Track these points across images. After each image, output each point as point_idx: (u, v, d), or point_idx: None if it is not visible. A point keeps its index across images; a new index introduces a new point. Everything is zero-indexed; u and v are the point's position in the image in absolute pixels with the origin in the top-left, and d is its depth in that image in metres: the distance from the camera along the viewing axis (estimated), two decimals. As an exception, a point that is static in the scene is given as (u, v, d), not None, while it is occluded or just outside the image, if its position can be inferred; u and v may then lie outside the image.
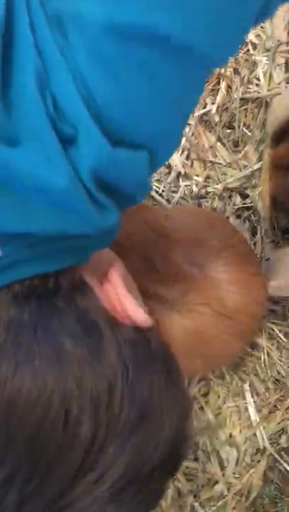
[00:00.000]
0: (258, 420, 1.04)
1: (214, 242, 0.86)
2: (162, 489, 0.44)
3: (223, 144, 1.08)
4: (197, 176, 1.07)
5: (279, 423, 1.05)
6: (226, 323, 0.83)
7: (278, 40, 1.04)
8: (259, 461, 1.04)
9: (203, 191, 1.08)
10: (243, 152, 1.09)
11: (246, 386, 1.06)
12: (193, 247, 0.85)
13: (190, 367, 0.88)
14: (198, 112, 1.05)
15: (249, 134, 1.08)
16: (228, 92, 1.07)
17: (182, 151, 1.07)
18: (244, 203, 1.08)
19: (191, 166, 1.07)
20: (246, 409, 1.05)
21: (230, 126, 1.08)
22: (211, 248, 0.84)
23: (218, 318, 0.83)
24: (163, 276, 0.81)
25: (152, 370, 0.43)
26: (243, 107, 1.07)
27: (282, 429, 1.05)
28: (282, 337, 1.06)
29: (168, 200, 1.08)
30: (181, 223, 0.92)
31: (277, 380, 1.06)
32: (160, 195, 1.08)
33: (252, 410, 1.05)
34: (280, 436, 1.05)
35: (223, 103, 1.06)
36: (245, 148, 1.09)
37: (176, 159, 1.07)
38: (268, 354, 1.06)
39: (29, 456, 0.36)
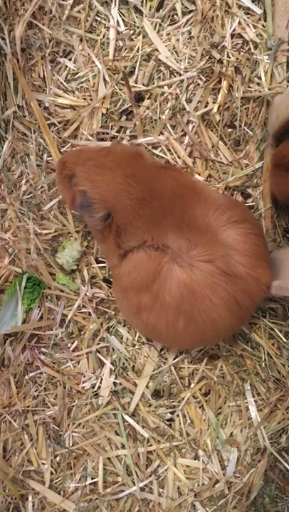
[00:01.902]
0: (258, 420, 1.04)
1: (237, 213, 0.88)
2: None
3: (225, 143, 1.08)
4: (199, 174, 1.07)
5: (279, 423, 1.05)
6: (221, 284, 0.84)
7: (280, 39, 1.04)
8: (260, 461, 1.04)
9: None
10: (244, 151, 1.09)
11: (247, 386, 1.06)
12: (217, 209, 0.88)
13: (172, 327, 0.89)
14: (199, 111, 1.05)
15: (250, 133, 1.08)
16: (229, 91, 1.06)
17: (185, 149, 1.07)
18: (246, 202, 1.08)
19: (194, 164, 1.07)
20: (247, 408, 1.05)
21: (232, 126, 1.08)
22: (232, 217, 0.87)
23: (217, 277, 0.84)
24: (181, 223, 0.86)
25: None
26: (245, 106, 1.07)
27: (283, 428, 1.05)
28: (282, 337, 1.06)
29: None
30: (213, 190, 1.02)
31: (277, 379, 1.06)
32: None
33: (253, 410, 1.05)
34: (280, 435, 1.05)
35: (224, 102, 1.06)
36: (247, 148, 1.09)
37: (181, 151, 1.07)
38: (269, 354, 1.06)
39: None
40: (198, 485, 1.03)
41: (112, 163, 0.88)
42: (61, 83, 1.08)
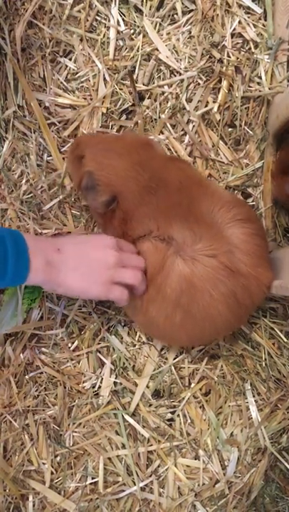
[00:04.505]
0: (259, 420, 1.04)
1: (242, 211, 0.88)
2: None
3: (225, 143, 1.08)
4: (199, 174, 1.07)
5: (280, 422, 1.05)
6: (223, 280, 0.84)
7: (280, 38, 1.04)
8: (260, 461, 1.04)
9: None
10: (244, 151, 1.09)
11: (247, 386, 1.05)
12: (223, 206, 0.88)
13: (170, 321, 0.88)
14: (200, 111, 1.05)
15: (251, 132, 1.08)
16: (229, 90, 1.06)
17: (185, 148, 1.07)
18: (246, 202, 1.08)
19: (194, 163, 1.07)
20: (247, 408, 1.05)
21: (232, 125, 1.08)
22: (238, 215, 0.87)
23: (220, 273, 0.84)
24: (187, 214, 0.85)
25: None
26: (245, 106, 1.07)
27: (284, 428, 1.05)
28: (282, 337, 1.06)
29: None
30: (219, 187, 1.02)
31: (278, 379, 1.06)
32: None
33: (253, 410, 1.05)
34: (281, 435, 1.05)
35: (224, 102, 1.06)
36: (247, 147, 1.09)
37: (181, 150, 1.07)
38: (269, 354, 1.06)
39: None
40: (198, 485, 1.03)
41: (121, 149, 0.88)
42: (61, 83, 1.08)
